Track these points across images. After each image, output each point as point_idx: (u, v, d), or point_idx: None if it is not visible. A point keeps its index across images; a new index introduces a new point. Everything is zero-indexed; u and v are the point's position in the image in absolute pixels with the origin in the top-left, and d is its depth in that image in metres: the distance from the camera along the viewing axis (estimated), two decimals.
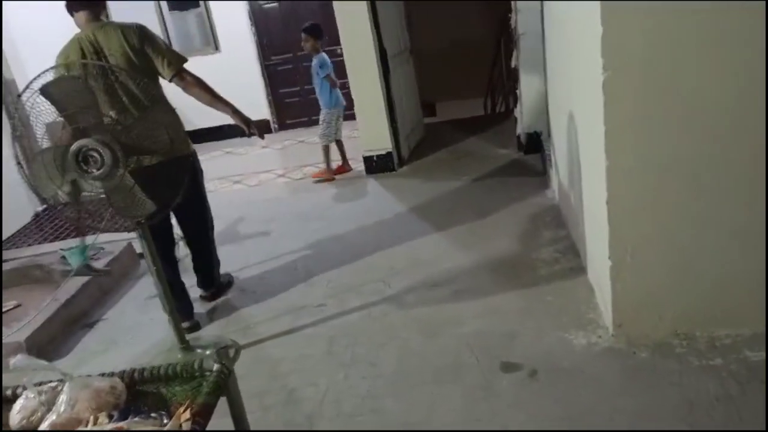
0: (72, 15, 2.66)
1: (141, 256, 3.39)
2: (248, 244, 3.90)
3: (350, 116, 5.10)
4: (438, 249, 3.36)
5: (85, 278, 3.37)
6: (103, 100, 2.47)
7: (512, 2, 4.30)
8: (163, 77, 2.67)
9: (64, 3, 2.64)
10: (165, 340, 2.79)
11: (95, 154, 2.12)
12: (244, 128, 2.83)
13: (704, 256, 2.11)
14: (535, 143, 4.54)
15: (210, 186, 3.85)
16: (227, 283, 3.30)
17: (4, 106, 4.74)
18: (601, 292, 2.49)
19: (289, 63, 7.15)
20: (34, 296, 3.51)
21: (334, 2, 4.43)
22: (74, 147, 2.11)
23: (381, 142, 4.79)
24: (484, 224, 3.57)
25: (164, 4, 6.91)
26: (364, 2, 4.38)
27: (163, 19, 6.93)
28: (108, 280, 3.51)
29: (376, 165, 4.85)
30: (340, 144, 5.04)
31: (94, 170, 2.14)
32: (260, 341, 2.73)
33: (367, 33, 4.45)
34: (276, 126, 7.38)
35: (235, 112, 2.78)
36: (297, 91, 7.26)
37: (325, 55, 4.80)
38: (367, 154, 4.85)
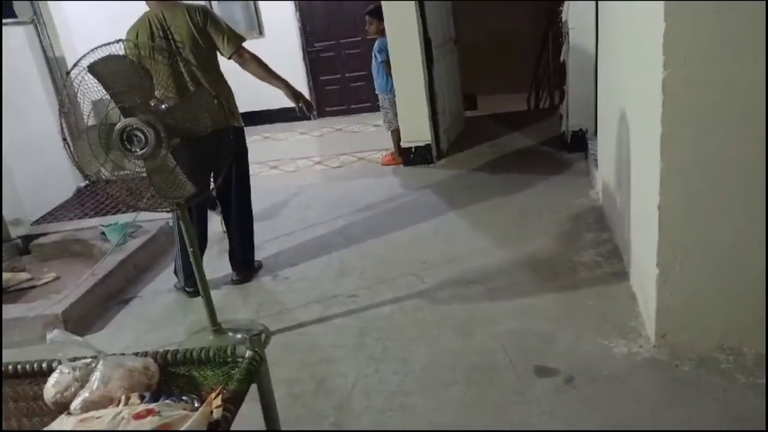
0: None
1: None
2: (283, 229, 3.90)
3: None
4: (474, 245, 3.29)
5: (123, 255, 3.43)
6: (166, 75, 2.65)
7: None
8: (223, 54, 2.85)
9: None
10: (197, 321, 2.81)
11: (139, 134, 2.13)
12: (293, 102, 2.99)
13: (758, 267, 1.99)
14: (580, 142, 4.41)
15: None
16: (257, 267, 3.35)
17: (52, 83, 4.86)
18: (644, 300, 2.39)
19: (332, 50, 7.13)
20: (72, 270, 3.60)
21: None
22: (119, 126, 2.12)
23: (420, 133, 4.72)
24: (524, 223, 3.48)
25: None
26: None
27: (210, 3, 6.97)
28: (144, 257, 3.56)
29: (415, 156, 4.79)
30: (396, 133, 4.92)
31: (138, 149, 2.15)
32: (291, 328, 2.72)
33: (412, 21, 4.38)
34: (315, 113, 7.39)
35: (287, 87, 2.95)
36: (338, 78, 7.24)
37: (384, 39, 4.64)
38: (406, 144, 4.79)
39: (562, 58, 4.33)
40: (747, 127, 1.85)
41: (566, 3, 4.16)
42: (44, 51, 4.88)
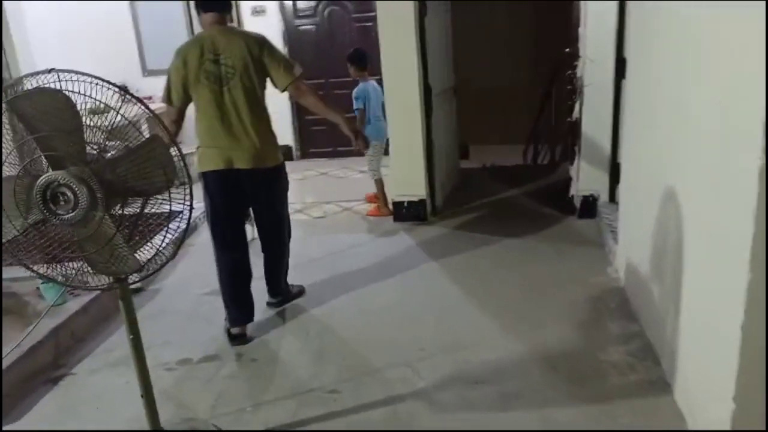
0: (199, 14, 2.73)
1: None
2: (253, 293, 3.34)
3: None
4: (479, 329, 2.80)
5: (58, 320, 2.85)
6: (207, 100, 2.63)
7: (580, 52, 3.81)
8: (276, 86, 2.74)
9: (194, 2, 2.74)
10: (137, 418, 2.23)
11: (68, 192, 1.62)
12: (351, 138, 2.94)
13: None
14: (591, 208, 4.00)
15: None
16: (298, 292, 3.25)
17: None
18: (696, 424, 1.92)
19: (320, 89, 6.72)
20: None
21: (380, 32, 3.98)
22: (42, 181, 1.61)
23: (415, 187, 4.27)
24: (535, 303, 3.01)
25: (195, 19, 6.54)
26: (413, 34, 3.91)
27: (193, 32, 6.56)
28: (85, 322, 2.99)
29: (407, 212, 4.33)
30: (380, 183, 4.58)
31: (64, 212, 1.64)
32: None
33: (412, 67, 3.98)
34: (298, 154, 6.93)
35: (345, 121, 2.89)
36: (324, 119, 6.81)
37: (366, 85, 4.46)
38: (398, 199, 4.33)
39: (574, 117, 3.95)
40: None
41: (581, 58, 3.80)
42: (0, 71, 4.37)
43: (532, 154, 6.48)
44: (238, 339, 2.82)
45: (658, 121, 2.47)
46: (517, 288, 3.18)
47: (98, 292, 3.01)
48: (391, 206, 4.40)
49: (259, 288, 3.06)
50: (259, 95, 2.72)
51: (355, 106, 4.45)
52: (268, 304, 3.15)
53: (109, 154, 1.73)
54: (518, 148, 7.18)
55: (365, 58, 4.49)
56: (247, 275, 2.91)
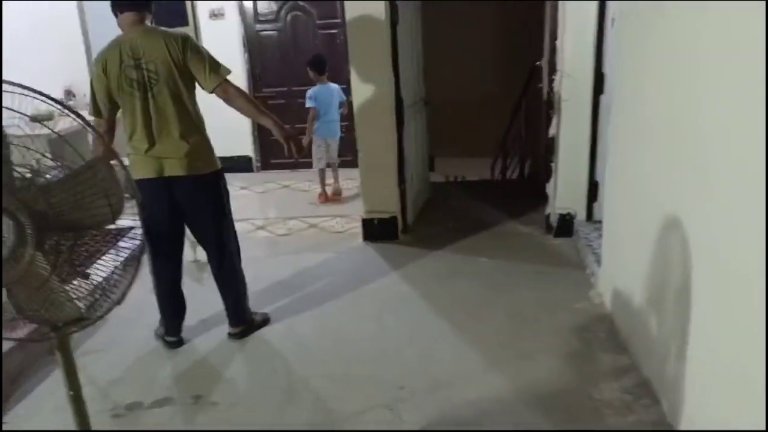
0: (116, 16, 2.53)
1: None
2: (212, 322, 3.05)
3: (349, 163, 5.01)
4: (462, 363, 2.59)
5: None
6: (134, 110, 2.50)
7: (558, 65, 3.68)
8: (203, 88, 2.56)
9: (110, 2, 2.53)
10: None
11: None
12: (283, 143, 2.66)
13: None
14: (568, 226, 3.87)
15: None
16: (261, 320, 2.99)
17: None
18: None
19: (282, 97, 6.44)
20: None
21: (350, 43, 3.75)
22: None
23: (386, 203, 4.06)
24: (519, 331, 2.82)
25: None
26: (387, 44, 3.71)
27: None
28: (16, 361, 2.63)
29: (377, 231, 4.10)
30: (330, 171, 5.25)
31: None
32: None
33: (385, 78, 3.77)
34: (259, 165, 6.60)
35: (278, 125, 2.64)
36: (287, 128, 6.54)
37: (322, 87, 4.96)
38: (368, 216, 4.10)
39: (551, 133, 3.81)
40: None
41: (558, 72, 3.67)
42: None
43: (500, 168, 6.35)
44: (174, 345, 2.84)
45: (648, 139, 2.33)
46: (498, 314, 2.99)
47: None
48: (360, 222, 4.17)
49: (218, 316, 2.78)
50: (187, 98, 2.55)
51: (306, 105, 4.93)
52: (230, 335, 2.90)
53: (43, 179, 1.45)
54: (484, 161, 7.07)
55: (324, 63, 4.94)
56: (178, 284, 2.84)
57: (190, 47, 2.50)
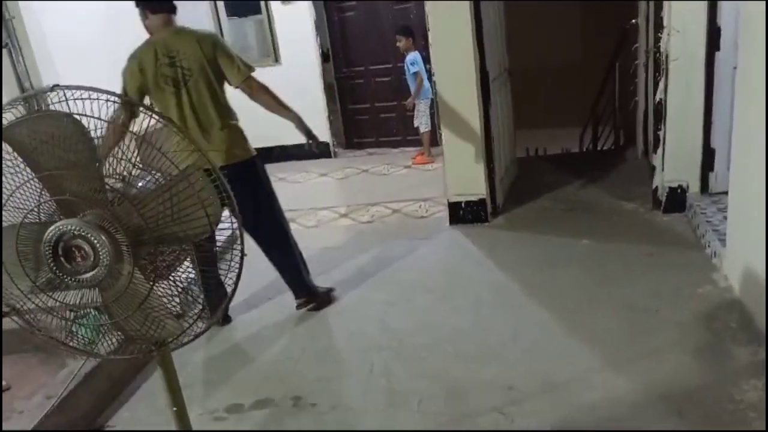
0: (145, 18, 2.70)
1: None
2: (298, 318, 2.98)
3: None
4: (575, 361, 2.37)
5: (93, 362, 2.53)
6: (170, 106, 2.64)
7: (664, 21, 3.29)
8: (231, 84, 2.75)
9: (137, 4, 2.70)
10: None
11: (85, 245, 1.26)
12: (305, 137, 2.83)
13: None
14: (679, 201, 3.51)
15: None
16: (326, 293, 3.09)
17: None
18: None
19: (360, 77, 6.38)
20: (29, 375, 2.70)
21: (429, 17, 3.54)
22: (49, 235, 1.25)
23: (473, 185, 3.84)
24: (637, 325, 2.55)
25: (221, 8, 6.19)
26: (468, 16, 3.46)
27: (220, 25, 6.20)
28: (123, 363, 2.66)
29: (465, 214, 3.90)
30: (431, 134, 5.67)
31: (83, 270, 1.28)
32: None
33: (468, 52, 3.52)
34: (336, 149, 6.52)
35: (298, 120, 2.78)
36: (367, 108, 6.50)
37: (416, 54, 5.47)
38: (455, 199, 3.90)
39: (658, 97, 3.44)
40: None
41: (666, 29, 3.29)
42: (19, 79, 4.07)
43: (591, 139, 5.93)
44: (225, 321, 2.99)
45: None
46: (609, 305, 2.73)
47: None
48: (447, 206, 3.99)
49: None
50: (219, 92, 2.74)
51: (412, 71, 5.49)
52: (297, 306, 3.02)
53: (135, 189, 1.36)
54: (571, 131, 6.64)
55: (412, 30, 5.49)
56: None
57: (221, 46, 2.73)
